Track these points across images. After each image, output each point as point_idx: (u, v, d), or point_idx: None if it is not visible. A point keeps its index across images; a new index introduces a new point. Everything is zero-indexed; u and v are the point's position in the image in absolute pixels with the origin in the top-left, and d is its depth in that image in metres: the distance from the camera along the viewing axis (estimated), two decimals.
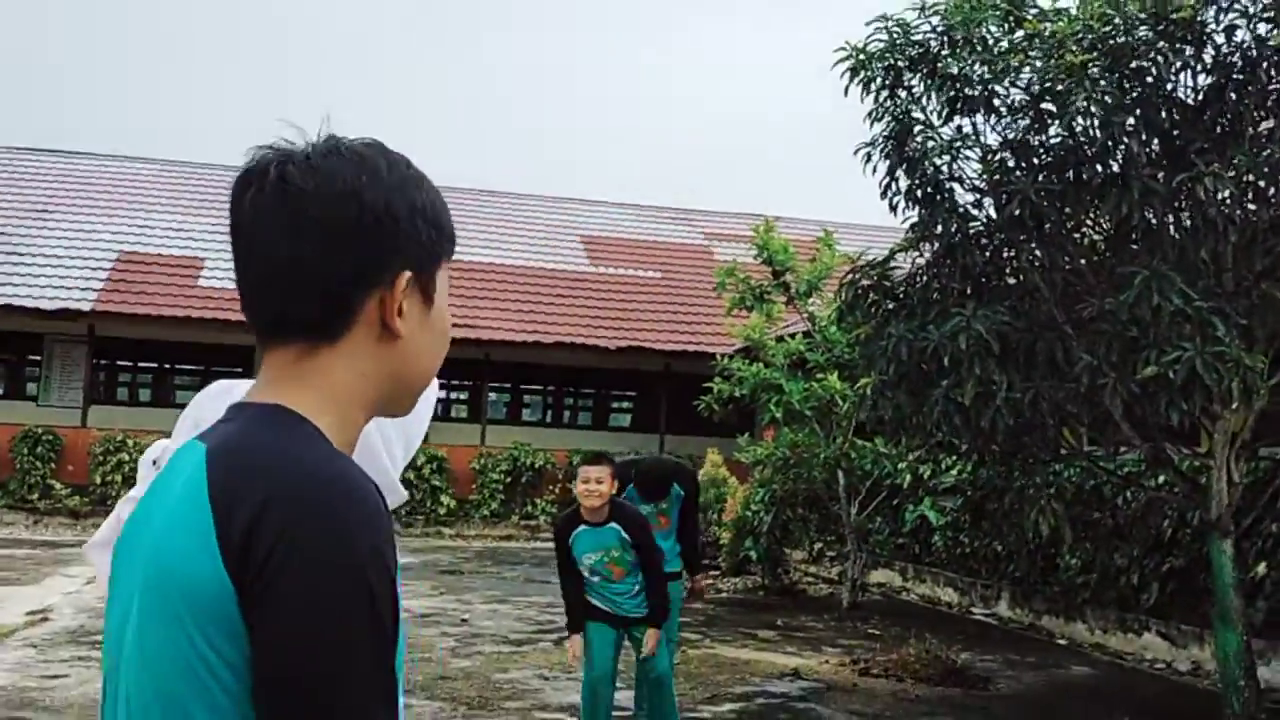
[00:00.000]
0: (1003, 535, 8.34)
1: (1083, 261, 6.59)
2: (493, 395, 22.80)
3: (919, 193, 6.64)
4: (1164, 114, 6.12)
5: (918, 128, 6.64)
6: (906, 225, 7.09)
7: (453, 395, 23.09)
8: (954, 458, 11.73)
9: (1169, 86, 6.14)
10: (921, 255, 7.20)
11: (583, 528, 5.55)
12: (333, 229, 1.22)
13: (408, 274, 1.26)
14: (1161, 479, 7.31)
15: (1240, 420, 6.66)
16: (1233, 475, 6.60)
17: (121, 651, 1.17)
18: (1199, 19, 5.90)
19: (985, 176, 6.53)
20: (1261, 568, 8.87)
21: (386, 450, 1.85)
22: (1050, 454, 7.54)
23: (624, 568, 5.57)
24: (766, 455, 12.01)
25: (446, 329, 1.37)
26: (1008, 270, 6.59)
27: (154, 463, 1.67)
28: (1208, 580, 9.43)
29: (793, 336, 12.20)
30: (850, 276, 6.84)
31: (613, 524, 5.55)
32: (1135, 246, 6.12)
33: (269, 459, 1.16)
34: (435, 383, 1.56)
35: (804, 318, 11.70)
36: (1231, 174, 5.64)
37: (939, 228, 6.52)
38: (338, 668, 1.09)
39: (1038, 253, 5.96)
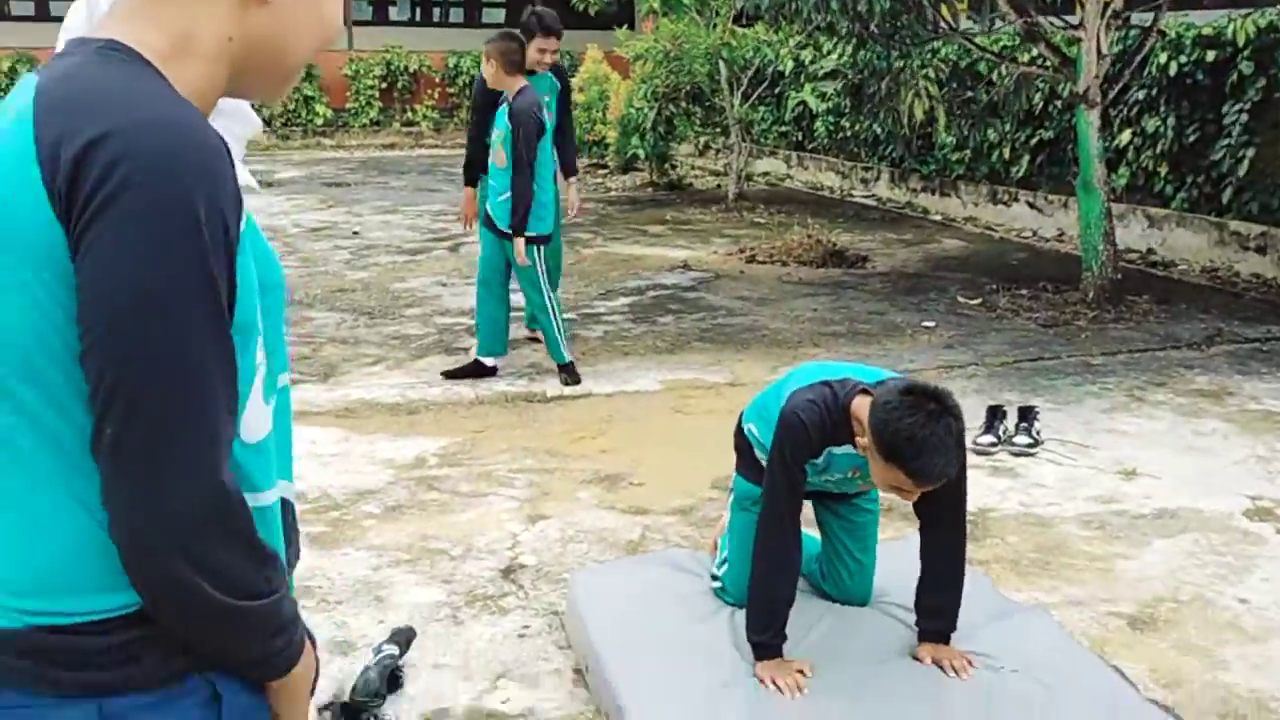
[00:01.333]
0: (880, 119, 8.41)
1: None
2: None
3: None
4: None
5: None
6: None
7: None
8: (834, 41, 11.61)
9: None
10: None
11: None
12: None
13: None
14: (1034, 53, 7.33)
15: None
16: (1101, 46, 6.66)
17: None
18: None
19: None
20: (1125, 135, 9.21)
21: None
22: (928, 33, 7.49)
23: (506, 153, 5.50)
24: (647, 49, 11.69)
25: (328, 17, 1.24)
26: None
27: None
28: (1074, 151, 9.78)
29: None
30: None
31: (502, 106, 5.60)
32: None
33: (101, 98, 1.07)
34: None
35: None
36: None
37: None
38: (164, 318, 1.03)
39: None
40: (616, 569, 3.51)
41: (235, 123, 1.92)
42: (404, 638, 3.12)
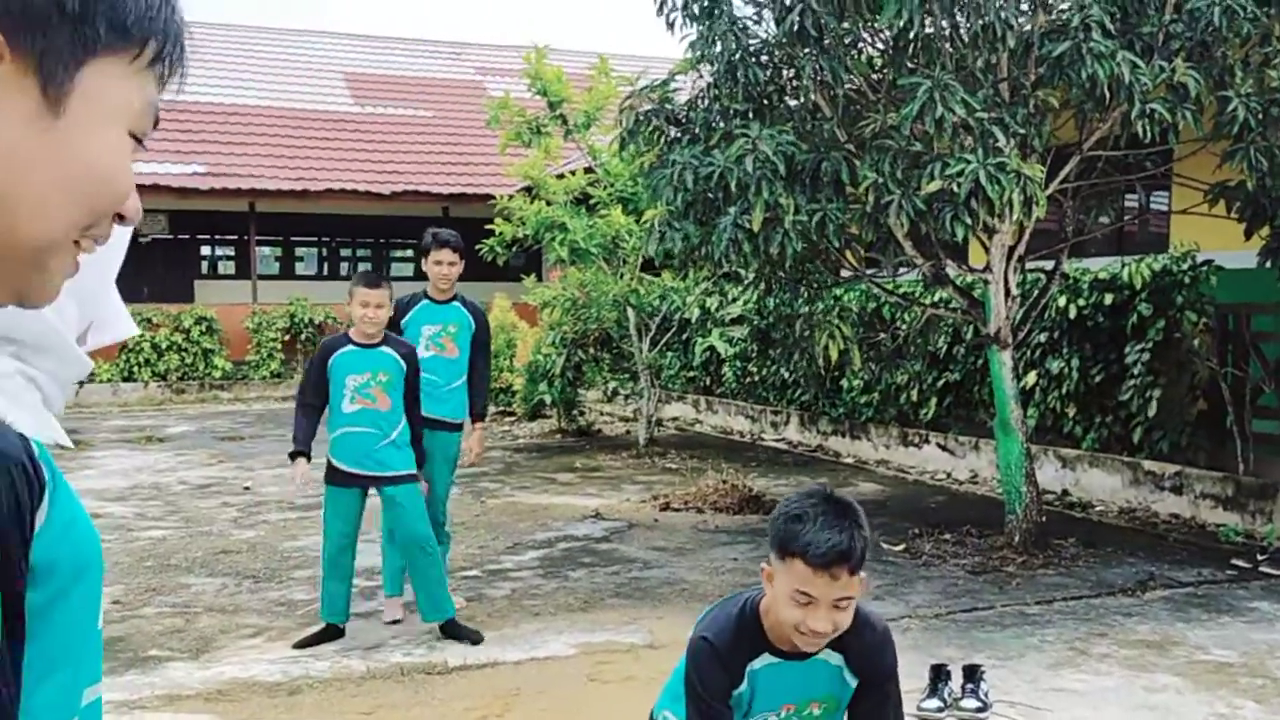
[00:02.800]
0: (792, 361, 8.37)
1: (862, 81, 6.41)
2: (264, 250, 21.54)
3: (695, 7, 6.26)
4: None
5: None
6: (685, 48, 6.72)
7: (219, 251, 21.71)
8: (740, 288, 11.77)
9: None
10: (701, 77, 6.86)
11: (351, 347, 5.33)
12: None
13: None
14: (940, 295, 7.38)
15: (1014, 233, 6.75)
16: (1010, 288, 6.70)
17: None
18: None
19: None
20: (1031, 377, 9.27)
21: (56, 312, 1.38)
22: (834, 278, 7.53)
23: (390, 398, 5.30)
24: (554, 297, 11.70)
25: (94, 167, 0.84)
26: (789, 89, 6.34)
27: None
28: (982, 393, 9.83)
29: (573, 173, 11.77)
30: (629, 101, 6.45)
31: (386, 348, 5.36)
32: (914, 62, 5.95)
33: None
34: (123, 232, 1.05)
35: (584, 152, 11.27)
36: None
37: (718, 45, 6.17)
38: None
39: (820, 65, 5.71)
40: None
41: (57, 363, 1.52)
42: None
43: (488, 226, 11.48)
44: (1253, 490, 7.80)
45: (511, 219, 10.97)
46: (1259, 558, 6.83)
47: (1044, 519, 7.19)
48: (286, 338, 18.58)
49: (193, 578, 6.66)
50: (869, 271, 7.24)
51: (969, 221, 5.32)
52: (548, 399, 12.26)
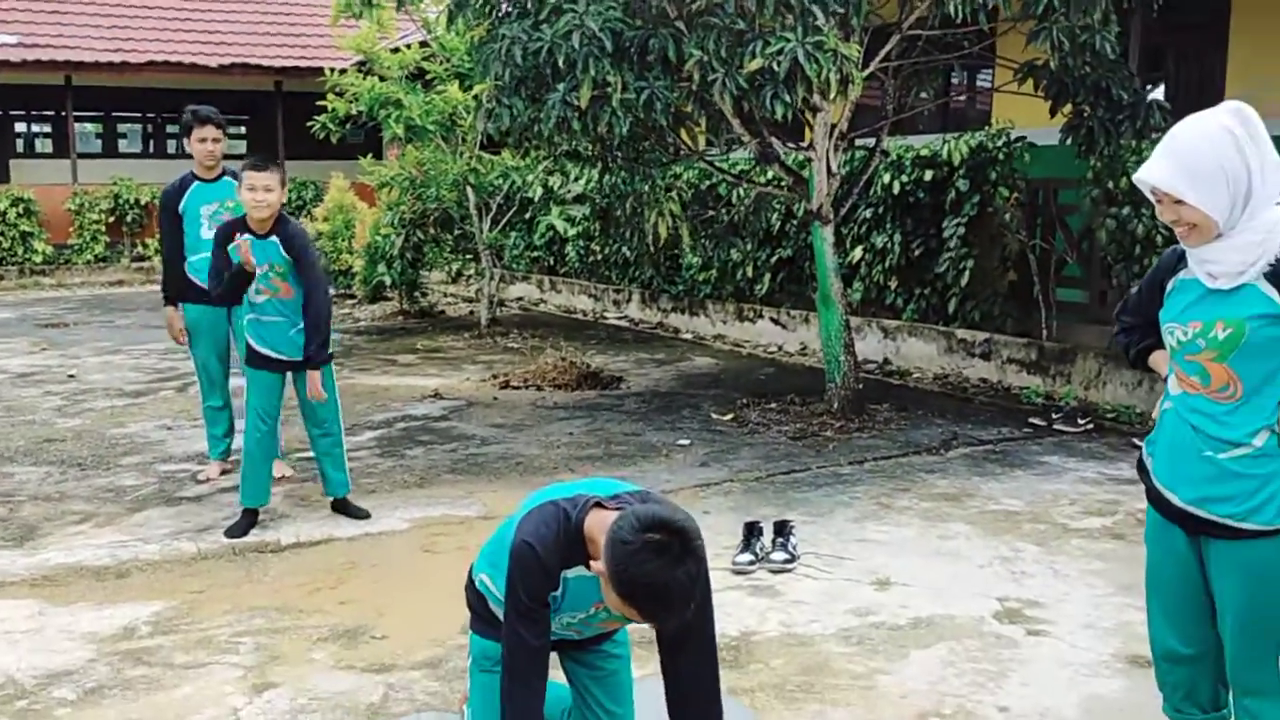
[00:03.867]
0: (627, 240, 8.48)
1: None
2: (84, 127, 20.40)
3: None
4: None
5: None
6: None
7: (34, 128, 20.47)
8: (580, 166, 11.76)
9: None
10: None
11: (248, 235, 5.13)
12: None
13: None
14: (770, 175, 7.58)
15: (838, 112, 6.95)
16: (831, 166, 6.93)
17: None
18: None
19: None
20: (857, 252, 9.64)
21: None
22: (669, 156, 7.63)
23: (292, 285, 5.19)
24: (392, 176, 11.49)
25: None
26: None
27: None
28: (812, 268, 10.18)
29: (409, 47, 11.47)
30: None
31: (274, 238, 5.17)
32: None
33: None
34: None
35: (418, 25, 10.98)
36: None
37: None
38: None
39: None
40: None
41: None
42: None
43: (320, 103, 11.14)
44: (1054, 355, 8.36)
45: (344, 95, 10.66)
46: (1053, 416, 7.38)
47: (861, 386, 7.59)
48: (111, 219, 17.79)
49: (15, 467, 6.51)
50: (704, 149, 7.33)
51: (788, 100, 5.48)
52: (388, 280, 12.13)
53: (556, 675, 2.94)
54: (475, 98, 10.51)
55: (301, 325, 5.23)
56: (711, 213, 8.29)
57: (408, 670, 3.85)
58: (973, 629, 4.15)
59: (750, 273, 10.92)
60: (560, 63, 5.69)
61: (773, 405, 7.77)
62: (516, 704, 2.58)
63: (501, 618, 2.82)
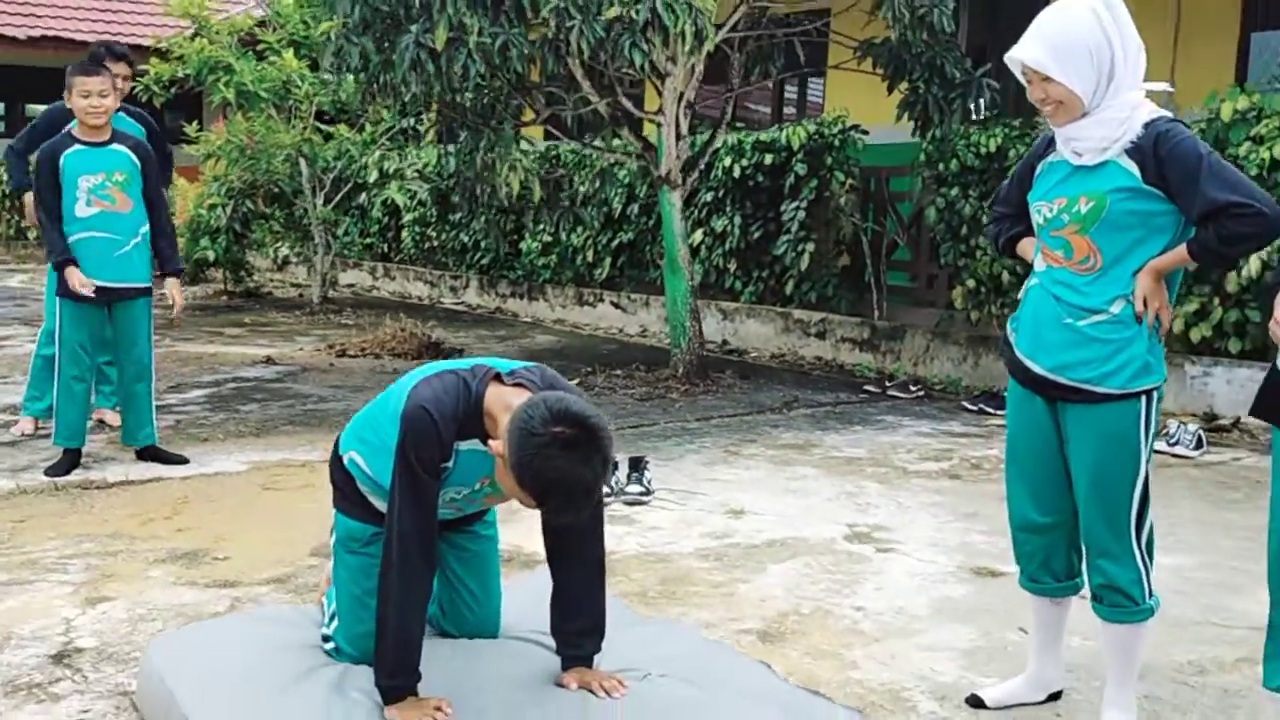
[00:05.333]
0: (473, 218, 8.36)
1: None
2: None
3: None
4: None
5: None
6: None
7: None
8: (419, 149, 11.58)
9: None
10: None
11: (78, 146, 4.84)
12: None
13: None
14: (616, 141, 7.61)
15: (685, 78, 7.04)
16: (680, 129, 7.02)
17: None
18: None
19: None
20: (698, 235, 9.78)
21: None
22: (515, 122, 7.58)
23: (131, 197, 4.89)
24: (220, 145, 11.03)
25: None
26: None
27: None
28: (653, 252, 10.30)
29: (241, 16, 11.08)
30: None
31: (117, 145, 4.90)
32: None
33: None
34: None
35: None
36: None
37: None
38: None
39: None
40: (204, 630, 2.95)
41: None
42: None
43: (141, 68, 10.61)
44: (885, 333, 8.67)
45: (170, 58, 10.20)
46: (886, 384, 7.65)
47: (706, 353, 7.69)
48: None
49: None
50: (550, 109, 7.30)
51: (645, 49, 5.53)
52: (211, 255, 11.62)
53: None
54: (313, 68, 10.25)
55: (132, 245, 4.92)
56: (561, 172, 8.26)
57: (255, 586, 3.67)
58: (825, 547, 4.25)
59: (591, 257, 10.95)
60: (416, 3, 5.59)
61: (618, 373, 7.80)
62: (405, 565, 2.47)
63: (370, 499, 2.73)
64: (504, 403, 2.44)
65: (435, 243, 13.05)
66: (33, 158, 5.42)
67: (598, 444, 2.30)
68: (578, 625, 2.65)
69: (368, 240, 14.08)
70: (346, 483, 2.83)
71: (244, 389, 7.11)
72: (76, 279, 4.80)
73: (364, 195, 12.38)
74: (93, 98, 4.77)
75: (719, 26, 6.68)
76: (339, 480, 2.87)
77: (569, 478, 2.26)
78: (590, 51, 5.68)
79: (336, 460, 2.87)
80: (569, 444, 2.25)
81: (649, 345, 9.61)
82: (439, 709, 2.44)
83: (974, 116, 7.23)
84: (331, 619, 2.79)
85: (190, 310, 11.36)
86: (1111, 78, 2.62)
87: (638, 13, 5.42)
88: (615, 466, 4.90)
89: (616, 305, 10.95)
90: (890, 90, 7.25)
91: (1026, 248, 2.94)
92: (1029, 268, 2.88)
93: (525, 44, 5.81)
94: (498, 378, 2.52)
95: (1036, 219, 2.78)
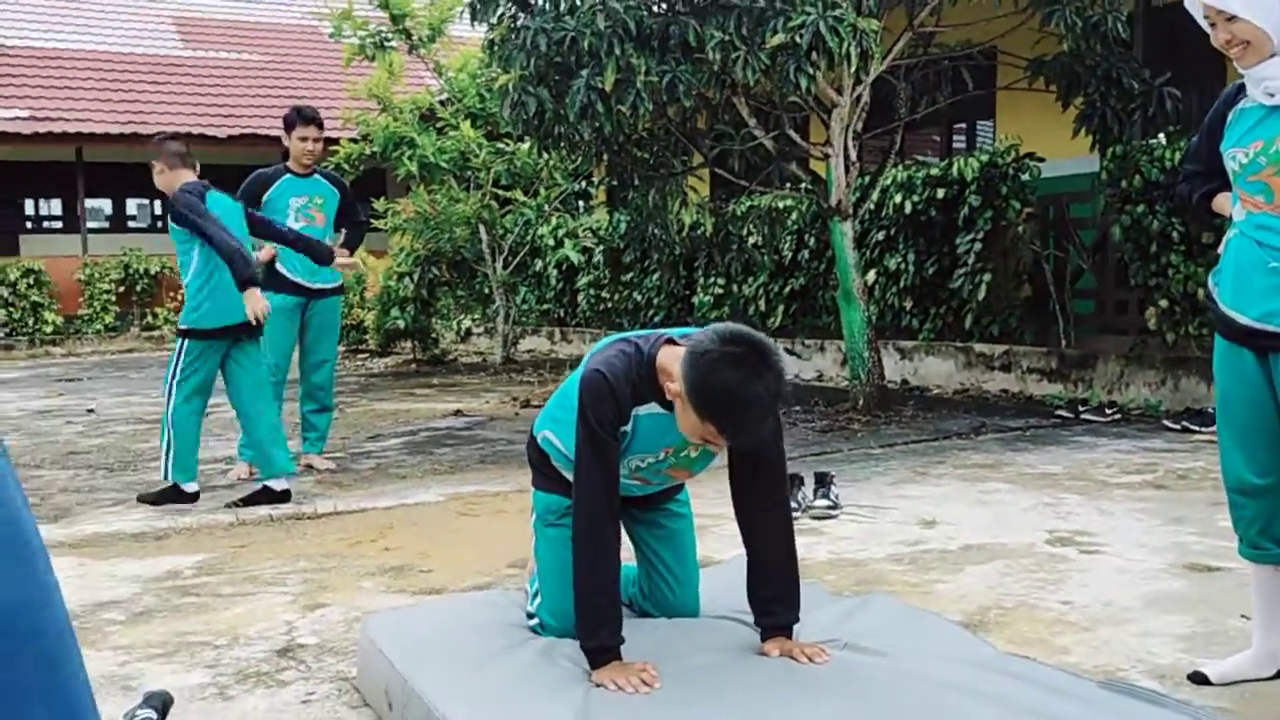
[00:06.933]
0: (647, 246, 8.50)
1: None
2: (93, 203, 20.64)
3: None
4: None
5: None
6: None
7: (44, 209, 20.70)
8: (590, 211, 11.92)
9: None
10: None
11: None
12: None
13: None
14: (785, 176, 7.65)
15: (851, 109, 7.06)
16: (850, 155, 7.02)
17: None
18: None
19: None
20: (871, 275, 9.71)
21: None
22: (683, 165, 7.73)
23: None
24: (406, 220, 11.61)
25: None
26: None
27: None
28: (825, 298, 10.26)
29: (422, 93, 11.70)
30: None
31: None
32: None
33: None
34: None
35: (430, 68, 11.22)
36: None
37: None
38: None
39: None
40: (417, 611, 3.08)
41: None
42: (159, 700, 2.58)
43: (333, 148, 11.32)
44: (1075, 361, 8.38)
45: (358, 134, 10.84)
46: (1080, 409, 7.38)
47: (886, 385, 7.58)
48: (121, 289, 17.91)
49: (43, 471, 6.48)
50: (718, 145, 7.42)
51: (811, 72, 5.59)
52: (401, 324, 12.18)
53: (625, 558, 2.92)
54: (489, 137, 10.73)
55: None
56: (732, 205, 8.35)
57: (458, 592, 3.80)
58: (1025, 551, 4.11)
59: (764, 306, 10.98)
60: (584, 46, 5.82)
61: (798, 408, 7.78)
62: (592, 524, 2.54)
63: (564, 473, 2.81)
64: (676, 358, 2.49)
65: (610, 304, 13.32)
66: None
67: (767, 360, 2.34)
68: (772, 590, 2.66)
69: (544, 306, 14.49)
70: (542, 460, 2.93)
71: (436, 436, 7.39)
72: (260, 302, 5.17)
73: (540, 261, 12.80)
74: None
75: (884, 55, 6.70)
76: (535, 460, 2.97)
77: (740, 389, 2.30)
78: (755, 80, 5.77)
79: (532, 441, 2.98)
80: (739, 360, 2.31)
81: (827, 388, 9.54)
82: (645, 670, 2.48)
83: (1158, 128, 7.00)
84: (535, 597, 2.87)
85: (382, 376, 11.92)
86: None
87: (801, 38, 5.50)
88: (801, 481, 4.88)
89: (791, 352, 10.92)
90: (1065, 105, 7.10)
91: (1223, 202, 2.84)
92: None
93: (691, 80, 5.96)
94: (671, 341, 2.58)
95: (1232, 166, 2.69)
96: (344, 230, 6.42)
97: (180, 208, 5.12)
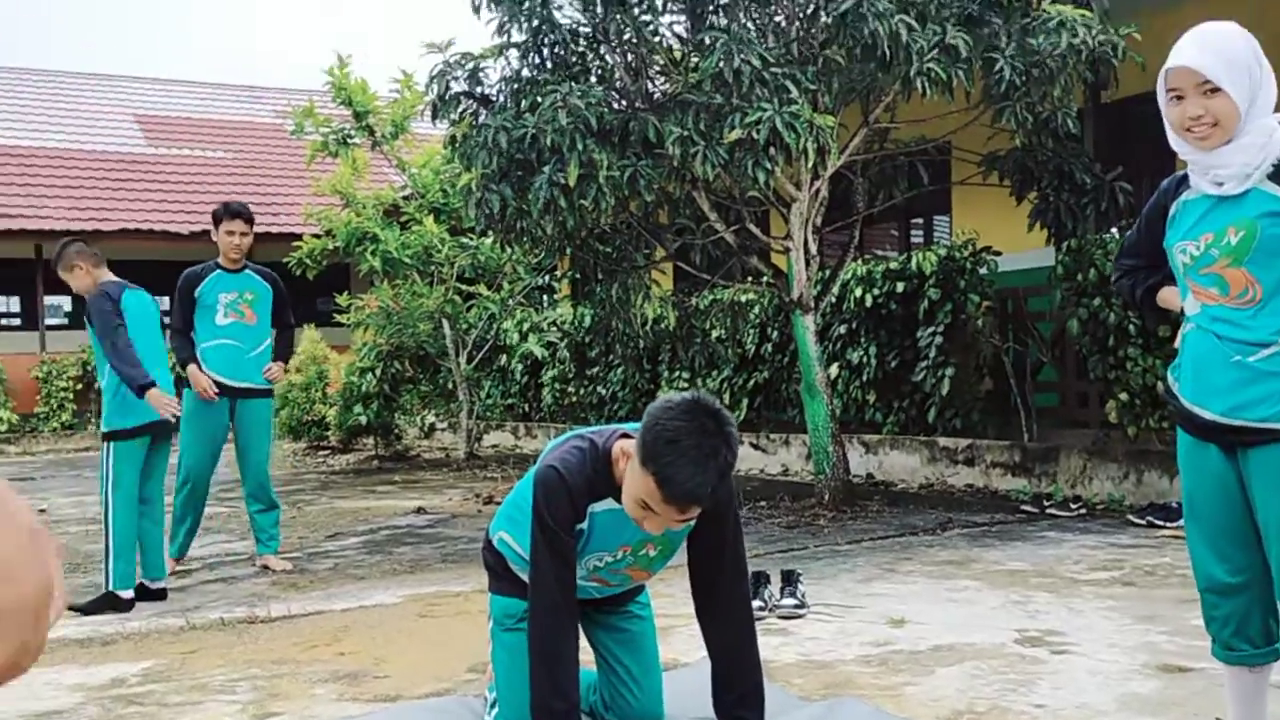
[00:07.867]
0: (610, 338, 8.48)
1: (665, 37, 6.67)
2: (51, 300, 20.46)
3: None
4: None
5: None
6: (492, 31, 6.89)
7: (1, 302, 20.50)
8: (554, 306, 11.92)
9: None
10: (509, 64, 7.03)
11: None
12: None
13: None
14: (746, 269, 7.69)
15: (810, 204, 7.13)
16: (810, 249, 7.06)
17: None
18: None
19: None
20: (834, 369, 9.73)
21: None
22: (646, 260, 7.76)
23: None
24: (368, 315, 11.56)
25: None
26: (594, 56, 6.60)
27: None
28: (789, 390, 10.26)
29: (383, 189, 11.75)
30: (440, 68, 6.56)
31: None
32: (714, 17, 6.31)
33: None
34: None
35: (393, 164, 11.28)
36: None
37: (522, 21, 6.39)
38: None
39: (626, 35, 5.98)
40: (370, 718, 2.95)
41: None
42: None
43: (295, 243, 11.30)
44: (1037, 455, 8.38)
45: (320, 230, 10.83)
46: (1045, 504, 7.36)
47: (852, 479, 7.53)
48: (79, 386, 17.65)
49: None
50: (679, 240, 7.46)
51: (769, 167, 5.65)
52: (364, 420, 12.04)
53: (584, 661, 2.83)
54: (452, 232, 10.75)
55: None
56: (695, 299, 8.36)
57: (414, 699, 3.66)
58: (995, 651, 4.04)
59: (728, 399, 10.96)
60: (545, 143, 5.86)
61: (762, 503, 7.71)
62: (551, 638, 2.46)
63: (522, 576, 2.74)
64: (630, 451, 2.45)
65: (574, 398, 13.26)
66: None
67: (721, 422, 2.34)
68: (737, 692, 2.58)
69: (509, 401, 14.41)
70: (498, 563, 2.86)
71: (397, 534, 7.25)
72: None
73: (504, 356, 12.75)
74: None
75: (841, 151, 6.80)
76: (491, 562, 2.90)
77: (691, 441, 2.28)
78: (715, 175, 5.82)
79: (488, 543, 2.91)
80: (692, 414, 2.33)
81: (792, 482, 9.49)
82: None
83: (1111, 224, 7.11)
84: (493, 706, 2.76)
85: (344, 473, 11.74)
86: (1253, 101, 2.56)
87: (758, 133, 5.57)
88: (767, 579, 4.80)
89: (756, 446, 10.88)
90: (1019, 200, 7.22)
91: (1169, 297, 2.83)
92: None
93: (652, 174, 6.00)
94: (625, 435, 2.55)
95: (1182, 259, 2.68)
96: (277, 346, 6.34)
97: (91, 319, 5.17)
